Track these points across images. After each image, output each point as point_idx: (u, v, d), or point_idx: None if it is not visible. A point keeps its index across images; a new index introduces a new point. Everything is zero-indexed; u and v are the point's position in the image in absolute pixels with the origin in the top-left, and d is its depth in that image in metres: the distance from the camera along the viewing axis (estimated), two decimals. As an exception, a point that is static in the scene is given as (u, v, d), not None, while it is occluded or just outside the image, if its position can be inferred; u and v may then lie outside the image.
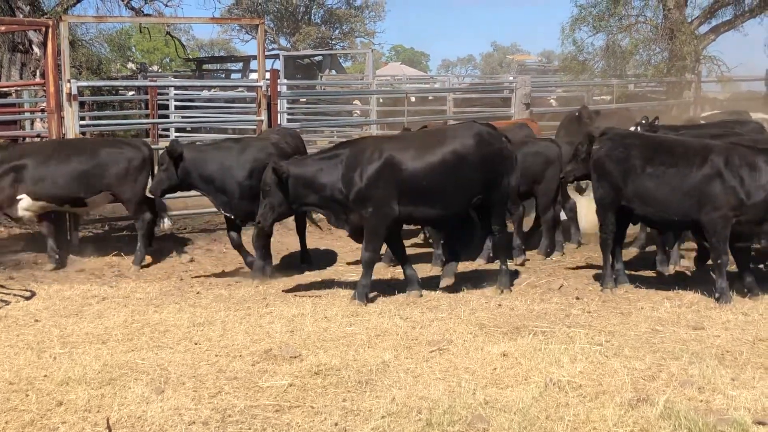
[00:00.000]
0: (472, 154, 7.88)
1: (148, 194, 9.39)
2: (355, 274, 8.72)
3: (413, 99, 20.61)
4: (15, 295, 8.09)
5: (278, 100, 12.93)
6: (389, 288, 8.23)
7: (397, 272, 9.36)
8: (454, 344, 6.27)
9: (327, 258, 10.18)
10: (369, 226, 7.77)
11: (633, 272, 8.85)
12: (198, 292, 8.36)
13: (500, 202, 8.22)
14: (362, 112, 22.39)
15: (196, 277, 9.25)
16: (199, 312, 7.31)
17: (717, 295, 7.60)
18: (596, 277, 8.66)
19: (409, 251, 10.43)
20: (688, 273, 9.07)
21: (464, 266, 9.52)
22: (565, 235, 10.56)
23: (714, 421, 4.74)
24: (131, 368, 5.77)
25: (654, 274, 9.05)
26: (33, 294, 8.15)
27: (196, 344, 6.37)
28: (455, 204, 7.97)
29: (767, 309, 7.34)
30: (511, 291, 8.18)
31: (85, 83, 15.13)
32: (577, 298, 7.93)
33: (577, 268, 9.49)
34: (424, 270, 9.08)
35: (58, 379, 5.52)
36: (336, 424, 4.82)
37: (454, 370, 5.70)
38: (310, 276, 9.18)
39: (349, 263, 9.84)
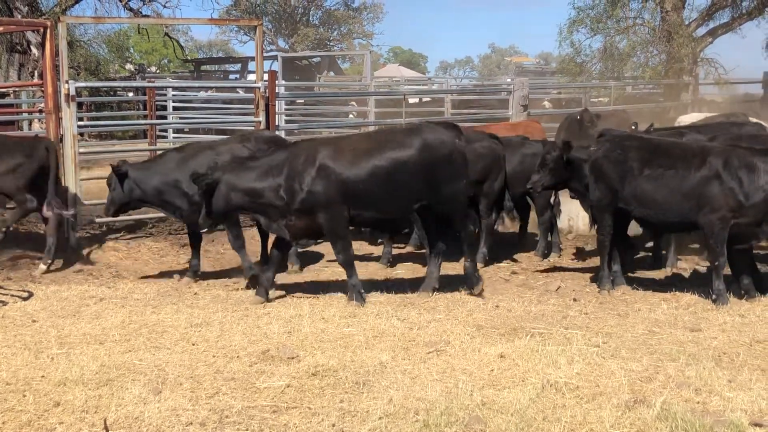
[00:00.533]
0: (412, 160, 7.72)
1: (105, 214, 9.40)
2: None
3: (410, 101, 20.64)
4: (13, 295, 8.09)
5: (276, 102, 12.93)
6: (386, 289, 8.22)
7: (394, 273, 9.39)
8: (452, 345, 6.27)
9: (314, 257, 10.21)
10: (328, 230, 7.77)
11: (630, 274, 8.86)
12: (195, 293, 8.36)
13: (453, 205, 7.98)
14: (359, 114, 22.43)
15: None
16: (197, 313, 7.31)
17: (714, 296, 7.61)
18: (593, 279, 8.67)
19: (405, 252, 10.52)
20: (685, 275, 9.09)
21: (462, 268, 9.55)
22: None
23: (711, 422, 4.75)
24: (129, 369, 5.77)
25: (651, 276, 9.05)
26: (30, 294, 8.14)
27: (193, 345, 6.37)
28: (394, 208, 7.90)
29: (764, 311, 7.35)
30: (481, 290, 8.04)
31: (83, 84, 15.14)
32: (575, 300, 7.94)
33: (575, 269, 9.50)
34: (422, 271, 9.08)
35: (56, 380, 5.52)
36: (333, 425, 4.83)
37: (452, 371, 5.70)
38: (306, 276, 9.19)
39: (329, 260, 9.87)
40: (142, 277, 9.27)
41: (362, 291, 7.78)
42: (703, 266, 9.15)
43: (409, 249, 10.67)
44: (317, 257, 10.13)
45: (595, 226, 9.26)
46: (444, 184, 7.86)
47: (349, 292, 7.75)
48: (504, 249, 10.32)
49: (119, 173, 8.81)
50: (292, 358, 5.97)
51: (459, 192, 8.00)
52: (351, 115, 23.13)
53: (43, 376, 5.62)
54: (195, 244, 9.28)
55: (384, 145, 7.83)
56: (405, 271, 9.54)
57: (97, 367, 5.78)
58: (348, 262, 7.85)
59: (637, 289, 8.21)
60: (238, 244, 9.02)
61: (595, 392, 5.27)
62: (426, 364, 5.86)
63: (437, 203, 7.93)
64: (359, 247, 10.76)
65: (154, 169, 9.01)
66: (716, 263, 7.62)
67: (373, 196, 7.71)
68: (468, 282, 8.12)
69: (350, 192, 7.65)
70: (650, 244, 9.95)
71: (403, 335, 6.57)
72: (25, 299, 7.97)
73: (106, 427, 4.78)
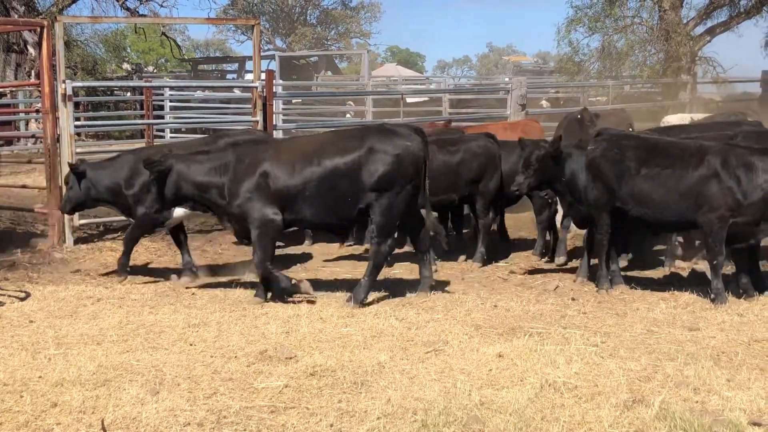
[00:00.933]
0: (354, 167, 7.54)
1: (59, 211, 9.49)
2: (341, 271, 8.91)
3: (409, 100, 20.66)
4: (10, 296, 8.06)
5: (273, 101, 12.91)
6: (384, 288, 8.20)
7: (392, 273, 9.37)
8: (450, 345, 6.26)
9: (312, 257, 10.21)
10: (254, 237, 7.69)
11: (628, 273, 8.85)
12: (193, 293, 8.33)
13: (383, 210, 7.59)
14: (357, 113, 22.43)
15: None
16: (195, 313, 7.29)
17: (713, 296, 7.60)
18: (592, 278, 8.65)
19: (403, 252, 10.49)
20: (684, 274, 9.09)
21: (461, 269, 9.54)
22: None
23: (709, 422, 4.74)
24: (126, 369, 5.75)
25: (649, 275, 9.05)
26: (28, 295, 8.12)
27: (191, 345, 6.35)
28: (337, 214, 7.73)
29: (762, 310, 7.34)
30: (360, 306, 7.52)
31: (80, 84, 15.10)
32: (573, 299, 7.93)
33: (573, 269, 9.48)
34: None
35: (53, 381, 5.50)
36: (331, 426, 4.82)
37: (450, 371, 5.69)
38: (304, 276, 9.16)
39: (326, 260, 9.96)
40: (106, 272, 9.29)
41: (284, 287, 7.67)
42: (701, 265, 9.14)
43: (407, 249, 10.64)
44: (314, 257, 10.12)
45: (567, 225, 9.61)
46: (384, 192, 7.59)
47: (258, 291, 7.77)
48: (502, 248, 10.31)
49: (77, 172, 8.90)
50: (290, 358, 5.96)
51: (395, 203, 7.64)
52: (348, 115, 23.12)
53: (40, 377, 5.60)
54: (182, 242, 9.29)
55: (327, 151, 7.67)
56: (403, 270, 9.51)
57: (94, 367, 5.76)
58: (265, 275, 7.67)
59: (636, 289, 8.21)
60: (128, 246, 9.04)
61: (593, 392, 5.26)
62: (424, 363, 5.85)
63: (374, 204, 7.60)
64: (357, 247, 10.75)
65: (108, 169, 9.08)
66: (715, 262, 7.62)
67: (312, 202, 7.62)
68: (354, 293, 7.67)
69: (288, 198, 7.60)
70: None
71: (401, 335, 6.56)
72: (22, 300, 7.95)
73: (103, 428, 4.77)
